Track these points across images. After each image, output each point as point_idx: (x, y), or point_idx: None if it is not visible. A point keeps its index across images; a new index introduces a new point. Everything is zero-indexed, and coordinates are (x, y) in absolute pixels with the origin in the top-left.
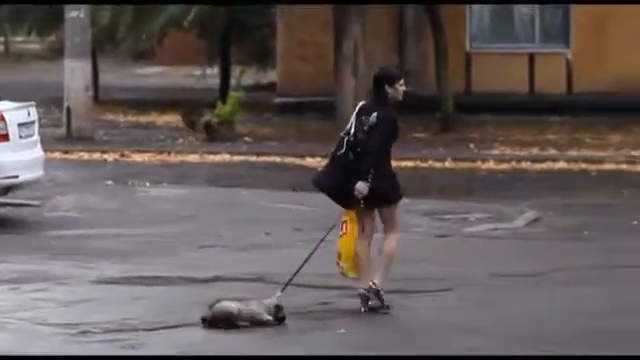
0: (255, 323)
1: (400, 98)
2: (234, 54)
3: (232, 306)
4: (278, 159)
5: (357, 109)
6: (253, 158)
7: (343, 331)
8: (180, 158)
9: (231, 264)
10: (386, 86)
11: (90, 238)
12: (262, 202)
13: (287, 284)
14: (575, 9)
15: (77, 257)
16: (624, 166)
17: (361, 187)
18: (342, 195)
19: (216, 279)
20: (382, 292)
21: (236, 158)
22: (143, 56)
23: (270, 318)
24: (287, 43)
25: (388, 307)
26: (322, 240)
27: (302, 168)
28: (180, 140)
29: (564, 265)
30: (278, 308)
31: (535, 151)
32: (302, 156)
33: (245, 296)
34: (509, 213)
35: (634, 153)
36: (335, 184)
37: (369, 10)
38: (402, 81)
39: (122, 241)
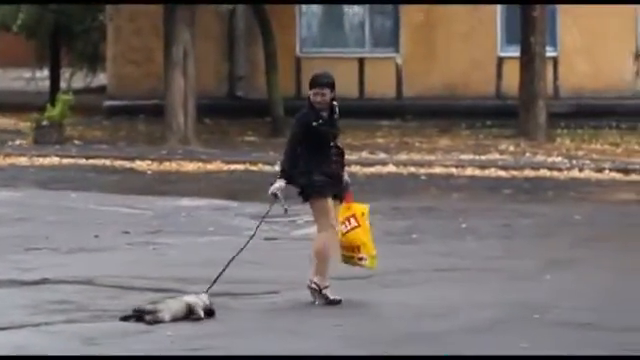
0: (193, 317)
1: (316, 105)
2: (64, 57)
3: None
4: (108, 162)
5: None
6: (82, 161)
7: (170, 333)
8: (9, 161)
9: (59, 267)
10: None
11: None
12: (91, 205)
13: (214, 282)
14: (404, 15)
15: None
16: (453, 170)
17: (273, 185)
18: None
19: (44, 281)
20: (324, 289)
21: (65, 161)
22: None
23: (202, 314)
24: (117, 46)
25: (340, 301)
26: (251, 237)
27: (132, 171)
28: (9, 142)
29: (392, 268)
30: (210, 303)
31: (364, 155)
32: (132, 159)
33: (73, 299)
34: None
35: (463, 157)
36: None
37: (199, 15)
38: (316, 90)
39: None
